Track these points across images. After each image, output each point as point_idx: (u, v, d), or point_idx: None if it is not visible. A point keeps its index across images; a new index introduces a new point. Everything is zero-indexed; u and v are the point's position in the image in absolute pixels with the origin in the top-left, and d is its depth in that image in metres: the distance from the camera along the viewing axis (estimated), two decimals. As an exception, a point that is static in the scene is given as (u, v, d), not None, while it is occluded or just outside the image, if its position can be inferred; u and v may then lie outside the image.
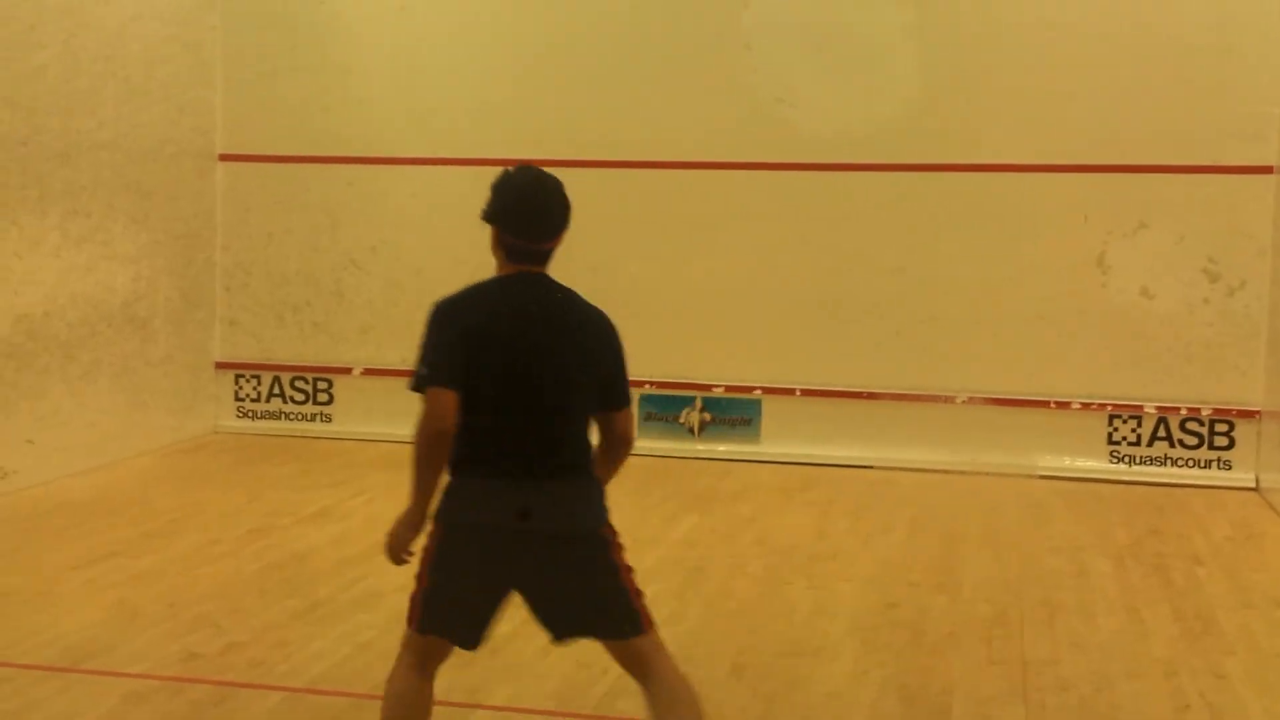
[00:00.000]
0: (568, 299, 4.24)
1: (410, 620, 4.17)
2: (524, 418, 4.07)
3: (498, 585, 4.14)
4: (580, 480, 4.22)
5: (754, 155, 10.14)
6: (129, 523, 7.98)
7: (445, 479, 4.10)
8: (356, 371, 10.76)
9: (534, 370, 4.08)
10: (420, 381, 4.03)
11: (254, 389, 10.90)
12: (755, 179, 10.15)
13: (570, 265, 10.41)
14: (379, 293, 10.76)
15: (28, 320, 8.89)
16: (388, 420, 10.56)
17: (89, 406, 9.45)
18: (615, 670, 5.70)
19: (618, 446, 4.35)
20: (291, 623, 6.32)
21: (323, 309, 10.83)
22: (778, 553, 7.72)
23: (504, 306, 4.13)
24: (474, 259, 10.41)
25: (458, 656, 5.82)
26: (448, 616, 4.16)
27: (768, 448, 10.18)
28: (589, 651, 5.96)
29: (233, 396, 10.90)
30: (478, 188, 11.19)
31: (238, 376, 10.89)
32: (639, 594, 4.23)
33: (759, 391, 10.24)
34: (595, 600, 4.19)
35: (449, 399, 3.99)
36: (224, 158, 10.84)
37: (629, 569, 4.24)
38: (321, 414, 10.82)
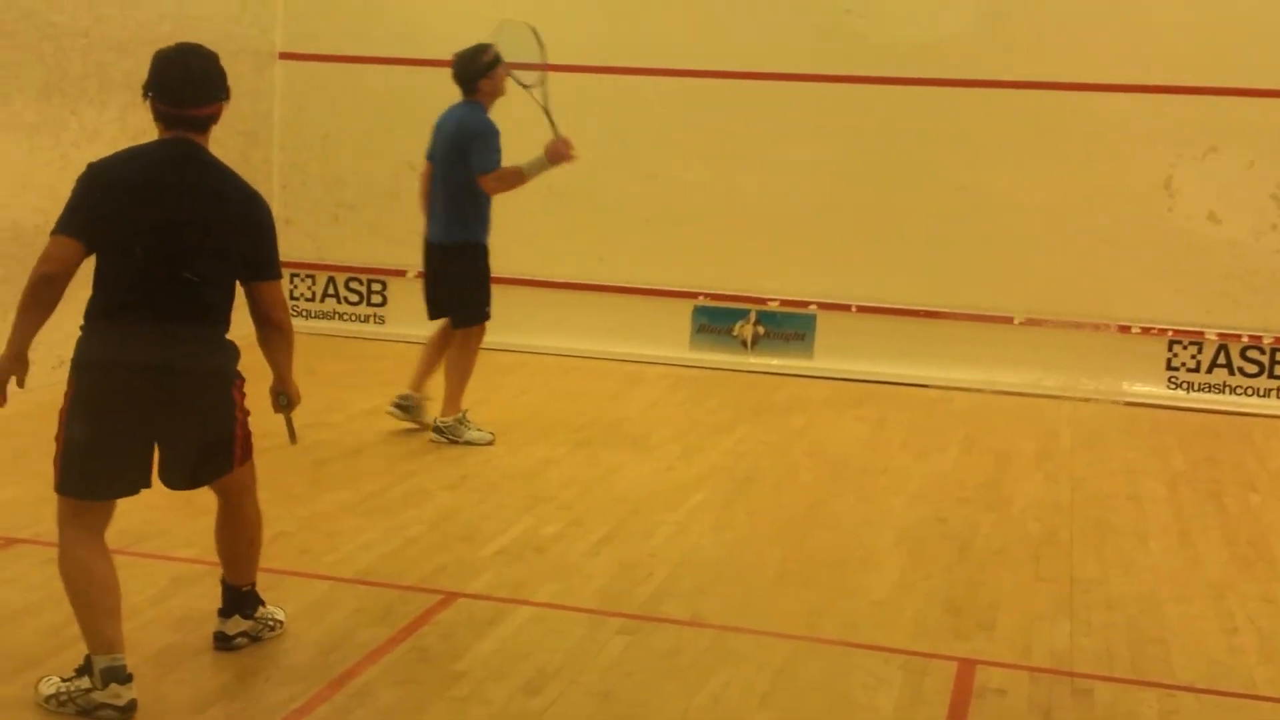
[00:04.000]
0: (216, 171, 4.49)
1: (58, 485, 4.31)
2: (155, 271, 4.30)
3: (140, 429, 4.34)
4: (209, 330, 4.45)
5: (819, 67, 9.97)
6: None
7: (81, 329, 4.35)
8: (410, 274, 10.70)
9: (167, 228, 4.31)
10: (54, 229, 4.26)
11: (309, 289, 10.93)
12: (819, 91, 10.00)
13: (628, 172, 10.38)
14: (434, 195, 10.70)
15: (86, 211, 8.91)
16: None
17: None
18: (661, 573, 5.77)
19: (263, 325, 4.55)
20: (341, 514, 6.37)
21: (377, 210, 10.80)
22: (828, 466, 7.69)
23: (149, 168, 4.38)
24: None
25: (505, 556, 5.89)
26: (97, 471, 4.30)
27: (821, 363, 10.10)
28: (635, 553, 6.01)
29: (288, 295, 10.94)
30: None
31: (293, 276, 10.91)
32: (247, 436, 4.63)
33: (814, 306, 10.16)
34: (211, 441, 4.52)
35: (66, 246, 4.22)
36: (283, 56, 10.79)
37: (245, 412, 4.59)
38: (375, 315, 10.85)
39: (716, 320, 10.27)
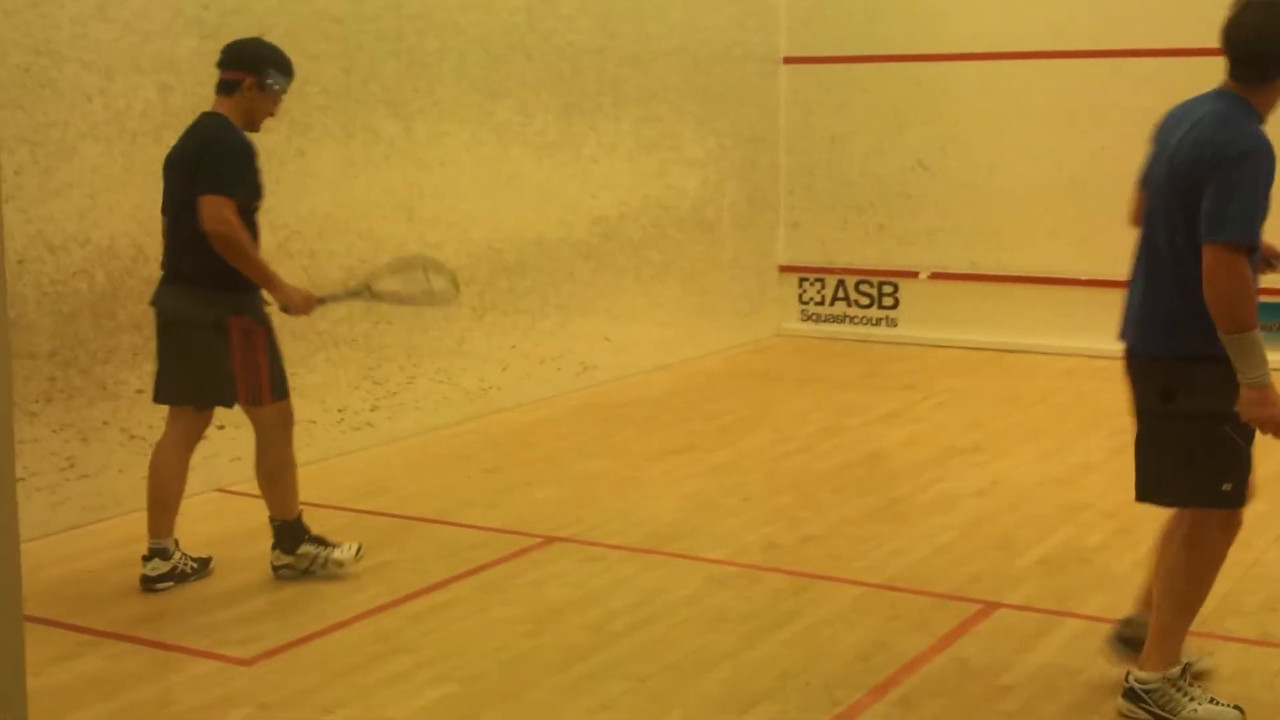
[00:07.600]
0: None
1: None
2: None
3: None
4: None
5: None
6: (702, 418, 8.08)
7: None
8: (923, 275, 10.44)
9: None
10: None
11: (818, 292, 10.82)
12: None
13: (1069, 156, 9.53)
14: (947, 194, 10.35)
15: (604, 222, 9.17)
16: (955, 325, 10.25)
17: (660, 306, 9.67)
18: (1222, 587, 5.18)
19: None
20: (867, 520, 6.15)
21: (887, 211, 10.56)
22: None
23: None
24: (1052, 156, 9.97)
25: (1045, 566, 5.49)
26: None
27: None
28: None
29: (796, 299, 10.88)
30: (1055, 82, 10.49)
31: (801, 279, 10.85)
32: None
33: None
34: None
35: None
36: (788, 60, 10.76)
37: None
38: (887, 318, 10.60)
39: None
